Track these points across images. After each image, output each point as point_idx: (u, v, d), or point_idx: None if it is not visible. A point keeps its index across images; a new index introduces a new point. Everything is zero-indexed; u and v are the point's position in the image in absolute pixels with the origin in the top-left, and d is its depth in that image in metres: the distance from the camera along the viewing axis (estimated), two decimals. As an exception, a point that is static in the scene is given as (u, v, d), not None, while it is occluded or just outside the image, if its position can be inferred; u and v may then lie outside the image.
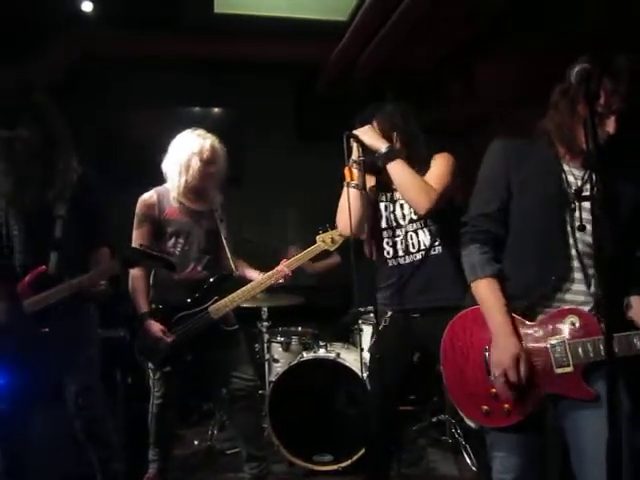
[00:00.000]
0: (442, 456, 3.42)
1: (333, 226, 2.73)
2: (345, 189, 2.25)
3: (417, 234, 2.32)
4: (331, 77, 4.60)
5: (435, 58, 4.28)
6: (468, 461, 3.24)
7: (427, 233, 2.31)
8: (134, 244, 2.69)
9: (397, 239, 2.34)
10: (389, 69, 4.35)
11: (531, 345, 1.62)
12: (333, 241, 2.84)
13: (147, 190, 2.79)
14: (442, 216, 2.28)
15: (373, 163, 2.27)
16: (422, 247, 2.31)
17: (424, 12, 3.48)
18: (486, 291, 1.68)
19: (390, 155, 2.22)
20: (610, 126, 1.53)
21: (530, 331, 1.64)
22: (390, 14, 3.61)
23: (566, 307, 1.61)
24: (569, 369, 1.57)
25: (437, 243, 2.30)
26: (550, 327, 1.62)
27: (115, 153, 4.53)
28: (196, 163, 2.68)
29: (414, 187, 2.20)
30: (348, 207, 2.19)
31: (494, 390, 1.64)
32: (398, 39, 3.85)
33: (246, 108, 4.79)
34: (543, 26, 3.37)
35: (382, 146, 2.22)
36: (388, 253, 2.35)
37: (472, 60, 4.18)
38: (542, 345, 1.61)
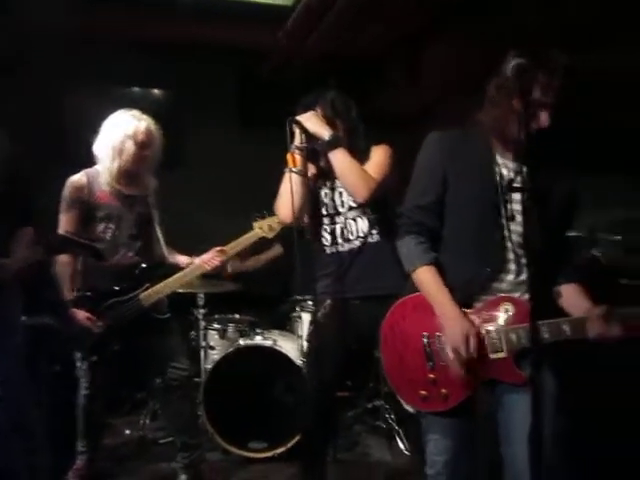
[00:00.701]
0: (376, 441, 3.49)
1: (271, 213, 2.69)
2: (287, 175, 2.24)
3: (356, 221, 2.34)
4: (274, 62, 4.55)
5: (380, 45, 4.31)
6: (401, 446, 3.31)
7: (366, 221, 2.33)
8: (61, 228, 2.59)
9: (336, 226, 2.35)
10: (333, 55, 4.35)
11: None
12: (270, 228, 2.79)
13: (77, 172, 2.67)
14: (380, 205, 2.31)
15: (314, 150, 2.26)
16: (360, 235, 2.33)
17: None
18: (427, 277, 1.71)
19: (333, 143, 2.21)
20: (542, 119, 1.57)
21: (467, 317, 1.67)
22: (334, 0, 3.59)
23: (501, 295, 1.67)
24: (503, 354, 1.62)
25: (375, 231, 2.33)
26: (486, 314, 1.67)
27: (47, 132, 4.31)
28: (130, 147, 2.58)
29: (354, 175, 2.21)
30: (291, 193, 2.18)
31: (432, 376, 1.69)
32: (343, 25, 3.84)
33: (186, 91, 4.67)
34: (488, 14, 3.44)
35: (325, 133, 2.22)
36: (327, 240, 2.36)
37: (416, 48, 4.23)
38: (478, 332, 1.64)
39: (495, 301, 1.67)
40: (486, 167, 1.70)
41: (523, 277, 1.68)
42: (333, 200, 2.36)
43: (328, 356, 2.23)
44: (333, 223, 2.35)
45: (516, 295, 1.68)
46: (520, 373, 1.61)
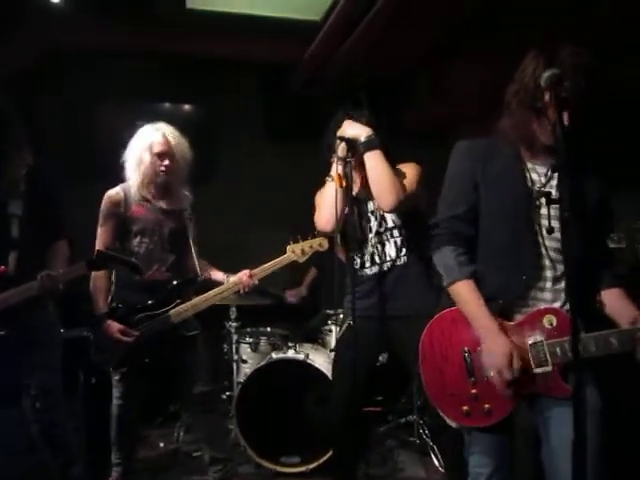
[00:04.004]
0: (409, 457, 3.44)
1: (304, 237, 2.70)
2: (327, 185, 2.29)
3: (383, 245, 2.36)
4: (303, 77, 4.59)
5: (406, 59, 4.31)
6: (435, 462, 3.26)
7: (392, 244, 2.36)
8: (98, 241, 2.64)
9: (365, 250, 2.37)
10: (360, 70, 4.36)
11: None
12: (303, 252, 2.74)
13: (114, 186, 2.72)
14: (408, 225, 2.34)
15: (352, 147, 2.26)
16: (388, 258, 2.35)
17: (396, 13, 3.50)
18: (466, 292, 1.67)
19: (370, 143, 2.23)
20: (564, 120, 1.51)
21: (509, 332, 1.63)
22: (363, 15, 3.62)
23: (543, 307, 1.63)
24: (548, 368, 1.58)
25: (403, 253, 2.35)
26: (528, 327, 1.62)
27: (82, 147, 4.43)
28: (147, 158, 2.62)
29: (386, 180, 2.22)
30: (335, 204, 2.20)
31: (474, 391, 1.65)
32: (370, 40, 3.86)
33: (216, 106, 4.74)
34: (511, 28, 3.42)
35: (363, 134, 2.23)
36: (356, 263, 2.38)
37: (442, 63, 4.22)
38: (521, 345, 1.61)
39: (537, 313, 1.62)
40: (516, 173, 1.67)
41: (562, 285, 1.64)
42: (361, 225, 2.38)
43: (350, 371, 2.22)
44: (362, 247, 2.37)
45: (557, 304, 1.64)
46: (566, 386, 1.56)
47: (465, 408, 1.66)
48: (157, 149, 2.61)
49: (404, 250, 2.35)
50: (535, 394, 1.63)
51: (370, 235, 2.38)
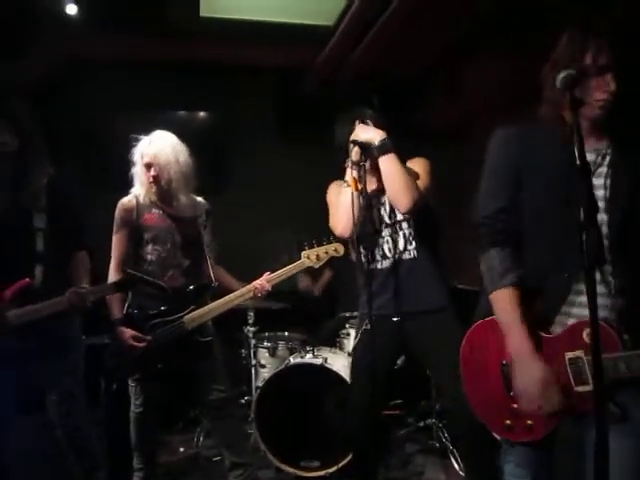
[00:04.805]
0: (429, 461, 3.41)
1: (319, 242, 2.70)
2: (344, 190, 2.30)
3: (393, 239, 2.36)
4: (316, 81, 4.60)
5: (420, 61, 4.30)
6: (456, 466, 3.23)
7: (402, 237, 2.36)
8: (114, 249, 2.68)
9: (375, 243, 2.38)
10: (373, 73, 4.36)
11: (549, 360, 1.50)
12: (318, 258, 2.73)
13: (129, 194, 2.76)
14: (417, 218, 2.33)
15: (366, 151, 2.26)
16: (397, 251, 2.35)
17: (409, 16, 3.50)
18: (505, 304, 1.55)
19: (383, 147, 2.24)
20: (610, 85, 1.43)
21: (545, 345, 1.53)
22: (376, 19, 3.62)
23: (585, 319, 1.42)
24: (589, 387, 1.44)
25: (412, 247, 2.35)
26: (567, 341, 1.49)
27: (99, 156, 4.49)
28: (139, 169, 2.68)
29: (401, 183, 2.23)
30: (352, 210, 2.21)
31: (515, 406, 1.54)
32: (383, 43, 3.86)
33: (231, 112, 4.78)
34: (527, 28, 3.40)
35: (376, 138, 2.25)
36: (365, 256, 2.38)
37: (456, 63, 4.21)
38: (560, 360, 1.50)
39: (579, 325, 1.48)
40: (562, 160, 1.48)
41: (607, 289, 1.48)
42: (372, 217, 2.38)
43: (371, 371, 2.21)
44: (372, 240, 2.37)
45: (604, 313, 1.46)
46: (611, 409, 1.42)
47: (508, 422, 1.57)
48: (145, 160, 2.66)
49: (414, 243, 2.35)
50: (580, 413, 1.49)
51: (380, 227, 2.38)
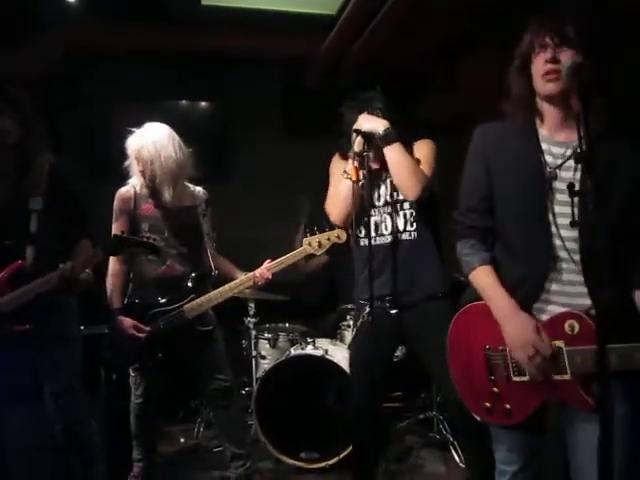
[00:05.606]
0: (429, 453, 3.42)
1: (320, 229, 2.67)
2: (344, 180, 2.28)
3: (392, 217, 2.34)
4: (318, 71, 4.56)
5: (422, 52, 4.27)
6: (456, 458, 3.23)
7: (402, 217, 2.34)
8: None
9: (371, 220, 2.36)
10: (376, 64, 4.33)
11: None
12: (320, 245, 2.68)
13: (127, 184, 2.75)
14: (420, 202, 2.30)
15: (369, 141, 2.25)
16: (395, 230, 2.33)
17: (411, 6, 3.47)
18: (483, 278, 1.63)
19: (388, 136, 2.23)
20: (551, 57, 1.50)
21: None
22: (378, 8, 3.59)
23: (566, 310, 1.51)
24: (566, 377, 1.48)
25: (412, 228, 2.33)
26: (547, 331, 1.51)
27: (99, 146, 4.46)
28: (131, 162, 2.67)
29: (408, 171, 2.23)
30: (346, 200, 2.23)
31: (495, 389, 1.62)
32: (386, 33, 3.83)
33: (233, 102, 4.74)
34: (528, 22, 3.37)
35: (380, 127, 2.23)
36: (360, 231, 2.37)
37: (458, 55, 4.18)
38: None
39: (559, 317, 1.51)
40: (530, 155, 1.57)
41: (580, 278, 1.50)
42: (370, 194, 2.36)
43: (370, 363, 2.20)
44: (369, 216, 2.35)
45: (574, 299, 1.51)
46: (586, 399, 1.45)
47: (487, 404, 1.64)
48: (133, 155, 2.65)
49: (414, 225, 2.33)
50: (559, 401, 1.57)
51: (379, 203, 2.36)
